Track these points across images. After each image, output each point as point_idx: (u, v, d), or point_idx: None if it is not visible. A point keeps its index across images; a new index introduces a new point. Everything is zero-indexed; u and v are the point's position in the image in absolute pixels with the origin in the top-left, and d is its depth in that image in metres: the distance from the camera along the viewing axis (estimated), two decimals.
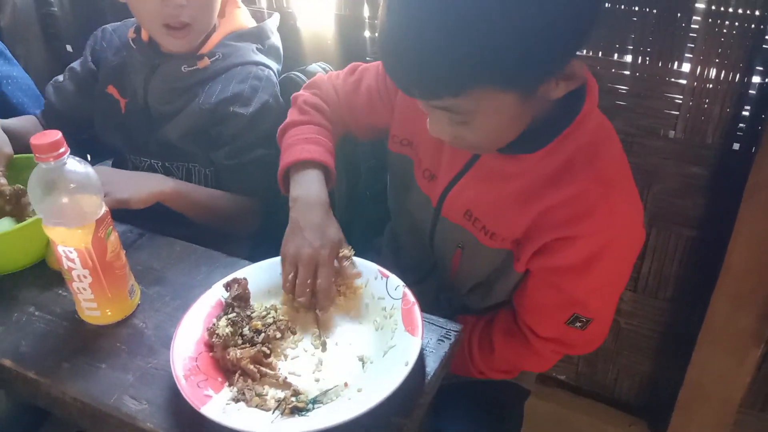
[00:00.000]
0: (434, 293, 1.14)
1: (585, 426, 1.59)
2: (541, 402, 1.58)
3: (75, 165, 0.85)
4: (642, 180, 1.27)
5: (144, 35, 1.31)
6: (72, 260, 0.88)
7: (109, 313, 0.94)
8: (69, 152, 0.84)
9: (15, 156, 1.18)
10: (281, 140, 1.12)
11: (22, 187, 1.10)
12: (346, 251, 0.96)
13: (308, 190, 1.01)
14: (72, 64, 1.42)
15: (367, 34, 1.42)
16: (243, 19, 1.33)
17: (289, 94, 1.22)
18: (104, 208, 0.89)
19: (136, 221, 1.15)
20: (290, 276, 0.92)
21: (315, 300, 0.92)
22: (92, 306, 0.93)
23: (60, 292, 1.01)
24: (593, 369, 1.59)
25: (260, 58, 1.30)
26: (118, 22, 1.41)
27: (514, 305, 1.02)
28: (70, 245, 0.87)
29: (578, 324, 0.95)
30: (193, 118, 1.26)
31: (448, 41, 0.72)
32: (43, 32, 1.89)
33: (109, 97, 1.34)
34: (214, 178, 1.31)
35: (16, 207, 1.10)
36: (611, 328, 1.44)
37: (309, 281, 0.91)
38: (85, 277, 0.89)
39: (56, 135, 0.82)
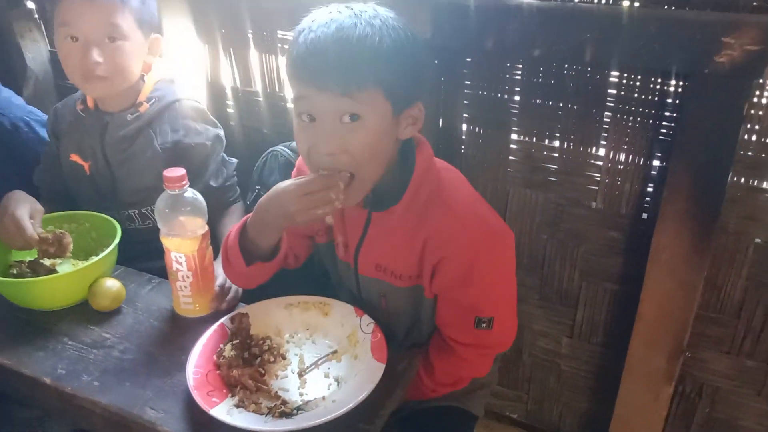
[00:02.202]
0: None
1: None
2: None
3: (191, 194, 1.18)
4: (572, 242, 1.52)
5: (90, 102, 1.52)
6: (180, 263, 1.19)
7: (198, 308, 1.23)
8: (188, 185, 1.16)
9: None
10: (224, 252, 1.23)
11: (63, 231, 1.33)
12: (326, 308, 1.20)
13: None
14: (46, 150, 1.64)
15: None
16: (166, 69, 1.57)
17: (272, 167, 1.49)
18: (206, 228, 1.20)
19: None
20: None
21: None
22: (188, 301, 1.23)
23: (89, 326, 1.23)
24: (540, 407, 1.80)
25: (184, 92, 1.56)
26: (64, 99, 1.63)
27: (437, 324, 1.24)
28: (181, 251, 1.18)
29: (484, 325, 1.17)
30: (157, 160, 1.46)
31: (359, 48, 0.99)
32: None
33: (74, 164, 1.55)
34: None
35: (59, 248, 1.31)
36: (555, 371, 1.68)
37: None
38: (187, 277, 1.20)
39: (181, 171, 1.15)
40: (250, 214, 1.14)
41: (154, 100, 1.51)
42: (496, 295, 1.20)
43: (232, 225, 1.43)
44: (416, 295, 1.22)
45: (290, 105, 1.75)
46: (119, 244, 1.30)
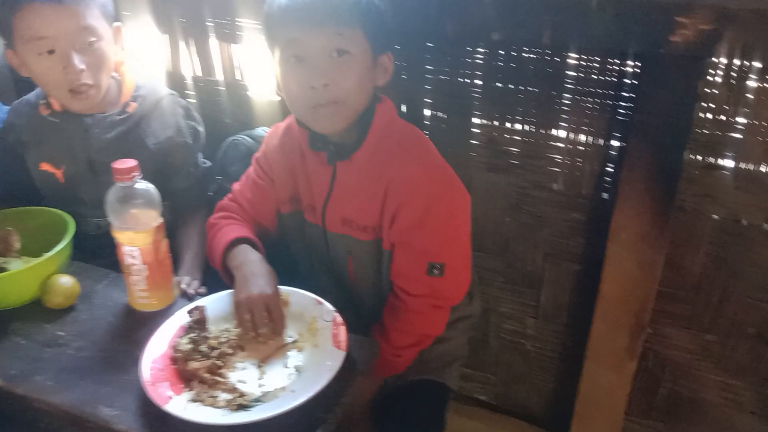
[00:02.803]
0: (356, 318, 1.35)
1: None
2: (464, 419, 1.78)
3: (142, 185, 1.14)
4: (535, 224, 1.53)
5: (56, 105, 1.43)
6: (134, 257, 1.16)
7: (155, 302, 1.21)
8: (140, 176, 1.13)
9: None
10: (210, 244, 1.32)
11: (9, 229, 1.30)
12: (286, 298, 1.18)
13: (246, 255, 1.23)
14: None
15: None
16: (133, 65, 1.53)
17: (233, 156, 1.47)
18: (161, 219, 1.17)
19: None
20: (246, 316, 1.11)
21: (272, 329, 1.12)
22: (144, 295, 1.20)
23: (43, 325, 1.19)
24: (508, 389, 1.81)
25: (167, 88, 1.54)
26: (15, 106, 1.52)
27: (391, 279, 1.28)
28: (134, 245, 1.15)
29: (435, 271, 1.22)
30: (150, 161, 1.41)
31: None
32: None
33: (45, 174, 1.48)
34: (169, 209, 1.47)
35: (5, 247, 1.28)
36: (521, 352, 1.69)
37: (264, 314, 1.11)
38: (142, 271, 1.17)
39: (132, 163, 1.11)
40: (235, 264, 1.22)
41: (141, 98, 1.47)
42: (449, 241, 1.25)
43: (194, 237, 1.47)
44: (377, 250, 1.27)
45: (251, 93, 1.72)
46: (85, 240, 1.27)
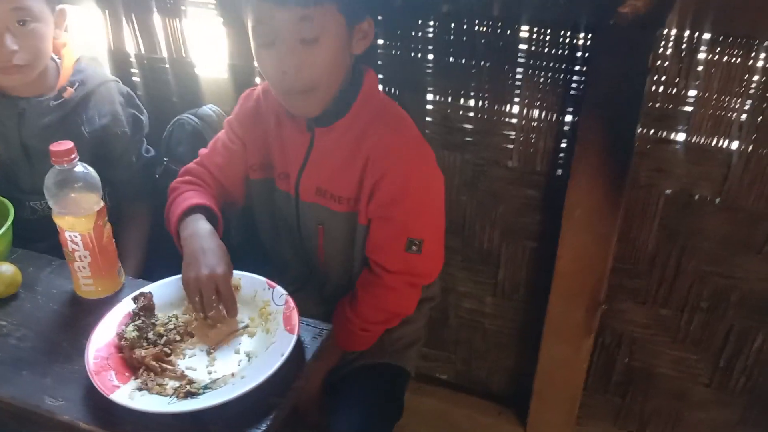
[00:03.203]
0: (318, 294, 1.35)
1: (461, 417, 1.79)
2: (424, 398, 1.78)
3: (82, 168, 1.09)
4: (491, 202, 1.52)
5: None
6: (76, 243, 1.11)
7: (100, 289, 1.17)
8: (78, 158, 1.08)
9: None
10: (168, 209, 1.27)
11: None
12: (236, 282, 1.15)
13: (196, 227, 1.17)
14: None
15: (257, 80, 1.61)
16: (76, 48, 1.47)
17: (179, 137, 1.43)
18: (102, 204, 1.12)
19: None
20: (196, 298, 1.07)
21: (222, 311, 1.08)
22: (89, 282, 1.16)
23: None
24: (468, 367, 1.81)
25: (110, 74, 1.49)
26: None
27: (366, 254, 1.26)
28: (75, 230, 1.10)
29: (414, 248, 1.21)
30: (85, 149, 1.35)
31: None
32: None
33: None
34: (110, 197, 1.44)
35: None
36: (480, 330, 1.69)
37: (214, 297, 1.07)
38: (85, 257, 1.12)
39: (69, 145, 1.06)
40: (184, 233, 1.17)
41: (77, 83, 1.41)
42: (427, 217, 1.24)
43: (133, 234, 1.45)
44: (352, 223, 1.25)
45: (198, 70, 1.67)
46: (20, 224, 1.22)
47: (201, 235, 1.16)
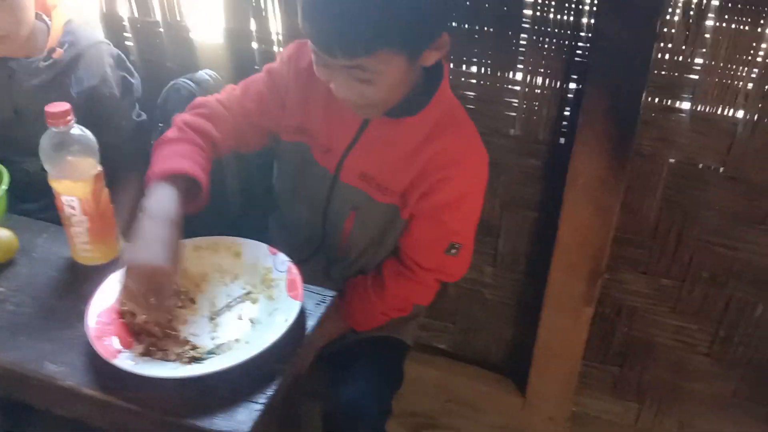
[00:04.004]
0: (323, 268, 1.33)
1: (461, 387, 1.80)
2: (423, 367, 1.78)
3: (78, 131, 1.06)
4: (492, 171, 1.47)
5: None
6: (73, 208, 1.08)
7: (99, 255, 1.14)
8: (74, 120, 1.04)
9: None
10: (153, 156, 1.15)
11: None
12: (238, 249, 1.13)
13: (158, 204, 1.04)
14: None
15: (254, 45, 1.58)
16: (67, 10, 1.45)
17: (174, 102, 1.38)
18: (99, 168, 1.09)
19: None
20: (129, 286, 0.97)
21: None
22: (87, 248, 1.13)
23: None
24: (467, 337, 1.81)
25: (101, 36, 1.47)
26: None
27: (401, 246, 1.24)
28: (73, 195, 1.07)
29: (453, 251, 1.21)
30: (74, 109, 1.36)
31: (366, 11, 0.95)
32: None
33: None
34: (102, 162, 1.42)
35: None
36: (479, 300, 1.69)
37: (145, 290, 0.96)
38: (83, 222, 1.09)
39: (66, 106, 1.03)
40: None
41: (67, 44, 1.39)
42: (473, 224, 1.24)
43: (128, 200, 1.41)
44: (389, 214, 1.21)
45: (193, 35, 1.64)
46: (13, 186, 1.20)
47: (157, 214, 1.03)
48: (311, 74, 1.14)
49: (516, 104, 1.41)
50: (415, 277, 1.24)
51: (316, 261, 1.31)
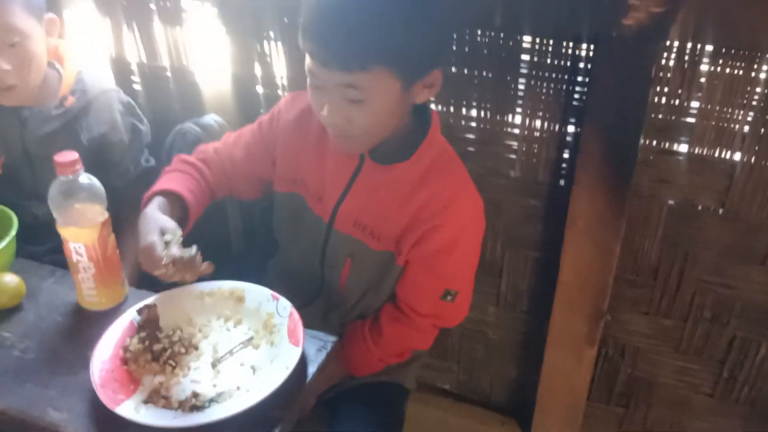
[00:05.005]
0: (322, 314, 1.33)
1: (463, 428, 1.79)
2: (425, 408, 1.77)
3: (86, 179, 1.09)
4: (492, 211, 1.51)
5: None
6: (80, 254, 1.11)
7: (104, 300, 1.16)
8: (83, 169, 1.07)
9: None
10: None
11: None
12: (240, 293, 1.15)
13: (146, 210, 1.15)
14: None
15: (259, 90, 1.62)
16: (78, 58, 1.48)
17: (180, 146, 1.42)
18: (107, 215, 1.11)
19: None
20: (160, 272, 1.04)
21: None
22: (92, 293, 1.15)
23: None
24: (470, 377, 1.81)
25: (111, 83, 1.50)
26: None
27: (397, 292, 1.24)
28: (80, 242, 1.10)
29: (449, 297, 1.21)
30: (83, 156, 1.37)
31: (365, 26, 0.97)
32: None
33: None
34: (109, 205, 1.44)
35: None
36: (483, 340, 1.69)
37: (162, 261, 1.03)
38: (89, 268, 1.12)
39: (74, 156, 1.06)
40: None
41: (78, 92, 1.43)
42: (468, 269, 1.23)
43: (132, 243, 1.34)
44: (385, 261, 1.21)
45: (199, 79, 1.67)
46: (32, 234, 1.22)
47: (145, 215, 1.13)
48: (301, 125, 1.20)
49: (515, 146, 1.43)
50: (411, 323, 1.24)
51: (315, 306, 1.32)
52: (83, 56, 1.49)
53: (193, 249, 1.05)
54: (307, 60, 1.05)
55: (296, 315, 1.09)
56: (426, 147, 1.15)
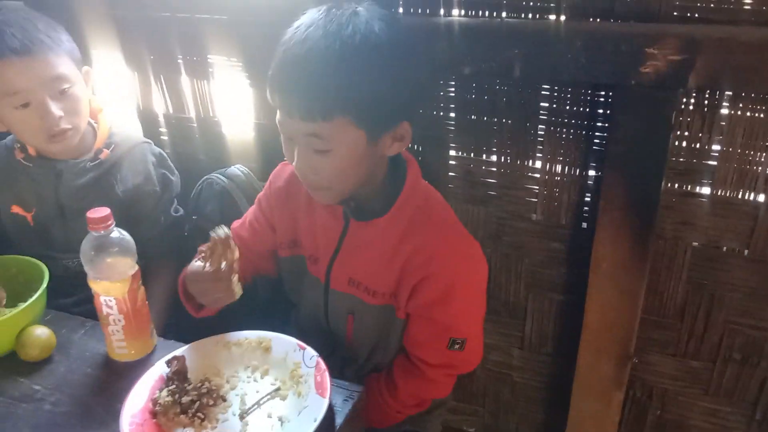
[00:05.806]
0: (339, 369, 1.33)
1: None
2: None
3: (117, 233, 1.12)
4: (515, 254, 1.52)
5: (32, 150, 1.45)
6: (111, 307, 1.13)
7: (133, 352, 1.18)
8: (114, 224, 1.10)
9: None
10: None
11: None
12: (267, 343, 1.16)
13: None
14: None
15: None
16: (111, 112, 1.53)
17: (207, 196, 1.45)
18: (137, 267, 1.14)
19: None
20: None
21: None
22: (122, 345, 1.17)
23: (18, 378, 1.16)
24: (497, 420, 1.79)
25: (142, 135, 1.54)
26: None
27: (405, 345, 1.24)
28: (111, 295, 1.12)
29: (456, 346, 1.19)
30: (111, 206, 1.35)
31: (326, 77, 0.98)
32: None
33: (16, 216, 1.48)
34: (139, 255, 1.47)
35: None
36: (508, 383, 1.68)
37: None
38: (119, 321, 1.14)
39: (106, 212, 1.09)
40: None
41: (113, 145, 1.47)
42: (471, 316, 1.22)
43: (159, 293, 1.46)
44: (386, 315, 1.21)
45: (225, 130, 1.71)
46: (52, 281, 1.25)
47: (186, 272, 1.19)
48: (290, 190, 1.24)
49: (536, 191, 1.44)
50: (424, 375, 1.23)
51: (331, 362, 1.32)
52: (114, 109, 1.53)
53: (226, 228, 1.08)
54: (277, 112, 1.07)
55: (323, 365, 1.10)
56: (404, 199, 1.14)
